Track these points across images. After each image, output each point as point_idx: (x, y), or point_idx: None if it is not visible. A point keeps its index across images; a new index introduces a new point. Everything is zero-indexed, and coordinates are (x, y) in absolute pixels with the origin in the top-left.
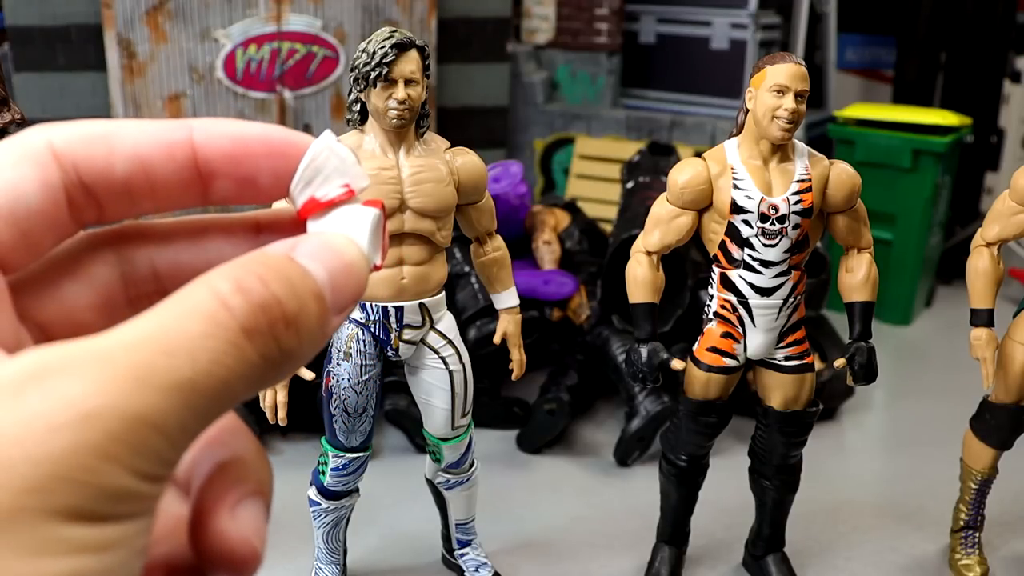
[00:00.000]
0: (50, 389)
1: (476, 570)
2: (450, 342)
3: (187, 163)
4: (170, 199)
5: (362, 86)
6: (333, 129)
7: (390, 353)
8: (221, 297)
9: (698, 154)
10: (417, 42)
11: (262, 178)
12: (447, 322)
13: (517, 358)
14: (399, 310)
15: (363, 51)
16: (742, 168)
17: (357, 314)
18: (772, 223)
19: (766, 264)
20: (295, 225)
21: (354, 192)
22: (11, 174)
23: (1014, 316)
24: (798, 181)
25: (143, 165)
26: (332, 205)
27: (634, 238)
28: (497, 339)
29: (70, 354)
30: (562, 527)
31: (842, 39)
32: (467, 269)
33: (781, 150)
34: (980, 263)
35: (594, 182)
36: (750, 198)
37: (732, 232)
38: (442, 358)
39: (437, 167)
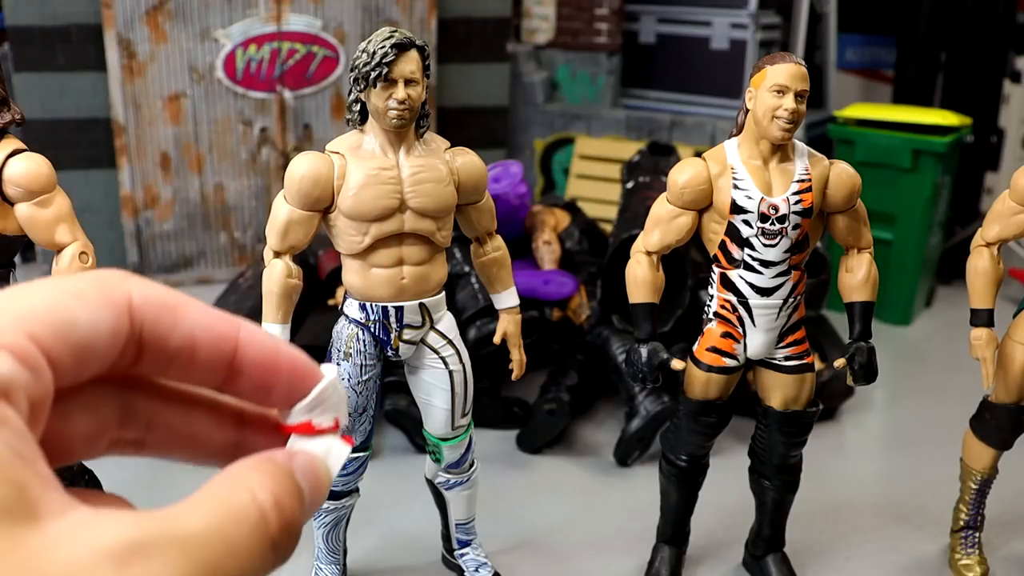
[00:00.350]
0: (150, 569)
1: (476, 570)
2: (450, 342)
3: (227, 356)
4: (196, 376)
5: (362, 86)
6: (333, 129)
7: (390, 353)
8: (263, 510)
9: (698, 154)
10: (417, 42)
11: (277, 390)
12: (447, 322)
13: (517, 358)
14: (399, 310)
15: (363, 51)
16: (742, 168)
17: (357, 314)
18: (772, 223)
19: (766, 264)
20: (273, 429)
21: (339, 426)
22: (92, 315)
23: (1014, 316)
24: (798, 181)
25: (193, 345)
26: (320, 433)
27: (634, 238)
28: (497, 339)
29: (160, 536)
30: (562, 527)
31: (842, 39)
32: (467, 269)
33: (781, 150)
34: (980, 263)
35: (594, 182)
36: (750, 198)
37: (732, 232)
38: (442, 358)
39: (437, 167)
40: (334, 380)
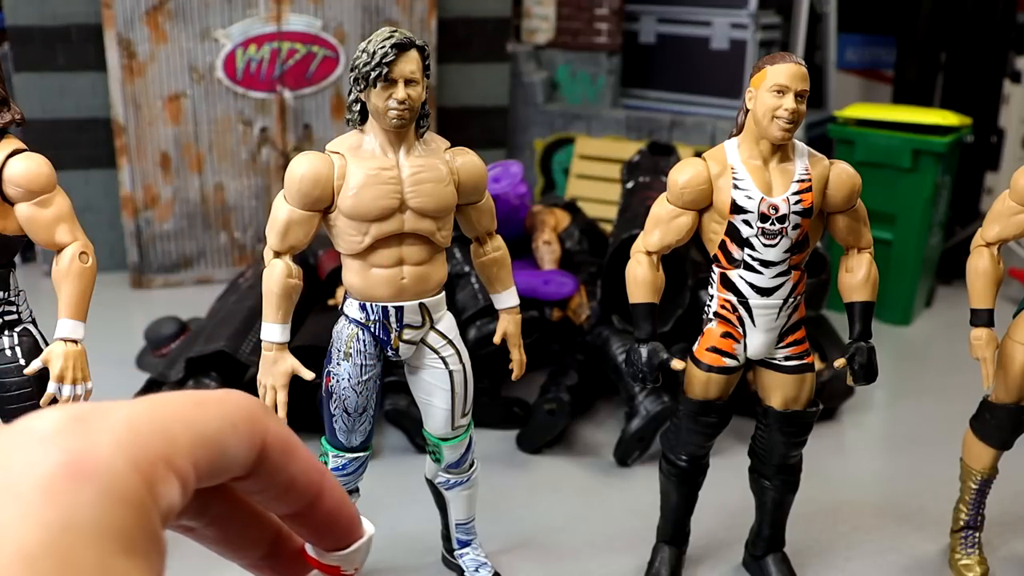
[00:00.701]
0: None
1: (476, 570)
2: (450, 342)
3: (308, 501)
4: (274, 506)
5: (362, 86)
6: (333, 129)
7: (390, 353)
8: None
9: (698, 154)
10: (417, 42)
11: (328, 538)
12: (447, 322)
13: (517, 358)
14: (399, 310)
15: (363, 51)
16: (742, 168)
17: (357, 314)
18: (772, 223)
19: (766, 264)
20: (297, 552)
21: (357, 572)
22: (239, 449)
23: (1014, 316)
24: (798, 181)
25: (291, 486)
26: None
27: (634, 238)
28: (497, 339)
29: None
30: (562, 527)
31: (842, 39)
32: (467, 269)
33: (781, 150)
34: (980, 263)
35: (594, 182)
36: (750, 198)
37: (732, 232)
38: (442, 358)
39: (437, 167)
40: (371, 537)
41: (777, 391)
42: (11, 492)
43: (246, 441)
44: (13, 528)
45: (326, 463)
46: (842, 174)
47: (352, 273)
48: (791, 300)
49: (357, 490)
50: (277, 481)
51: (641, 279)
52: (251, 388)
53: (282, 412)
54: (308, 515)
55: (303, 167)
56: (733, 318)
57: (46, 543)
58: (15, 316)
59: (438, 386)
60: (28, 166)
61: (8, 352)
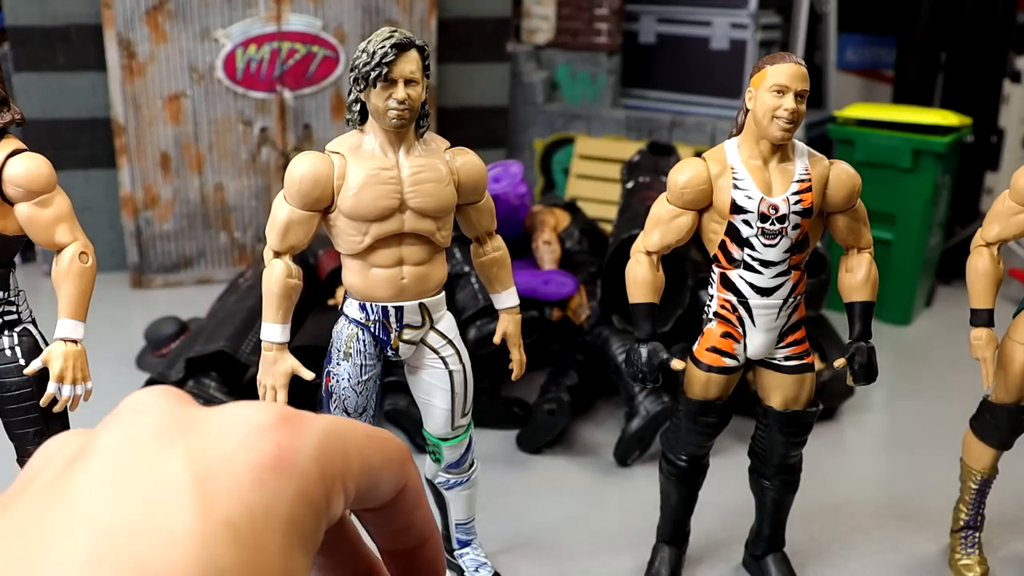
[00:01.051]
0: None
1: (476, 570)
2: (450, 342)
3: (417, 545)
4: (384, 541)
5: (362, 86)
6: (333, 129)
7: (390, 353)
8: None
9: (698, 154)
10: (417, 42)
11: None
12: (447, 322)
13: (517, 358)
14: (399, 310)
15: (363, 51)
16: (742, 168)
17: (357, 314)
18: (772, 223)
19: (766, 264)
20: None
21: None
22: (387, 487)
23: (1014, 316)
24: (798, 181)
25: (409, 527)
26: None
27: (634, 238)
28: (497, 339)
29: None
30: (562, 527)
31: (842, 39)
32: (467, 269)
33: (781, 150)
34: (980, 263)
35: (594, 182)
36: (750, 198)
37: (732, 232)
38: (442, 358)
39: (437, 167)
40: None
41: (777, 391)
42: (224, 468)
43: (393, 480)
44: (223, 499)
45: None
46: (842, 174)
47: (352, 273)
48: (791, 300)
49: None
50: (400, 520)
51: (641, 279)
52: (251, 388)
53: None
54: (410, 556)
55: (303, 167)
56: (733, 318)
57: (249, 520)
58: (15, 316)
59: (438, 386)
60: (28, 166)
61: (8, 352)
